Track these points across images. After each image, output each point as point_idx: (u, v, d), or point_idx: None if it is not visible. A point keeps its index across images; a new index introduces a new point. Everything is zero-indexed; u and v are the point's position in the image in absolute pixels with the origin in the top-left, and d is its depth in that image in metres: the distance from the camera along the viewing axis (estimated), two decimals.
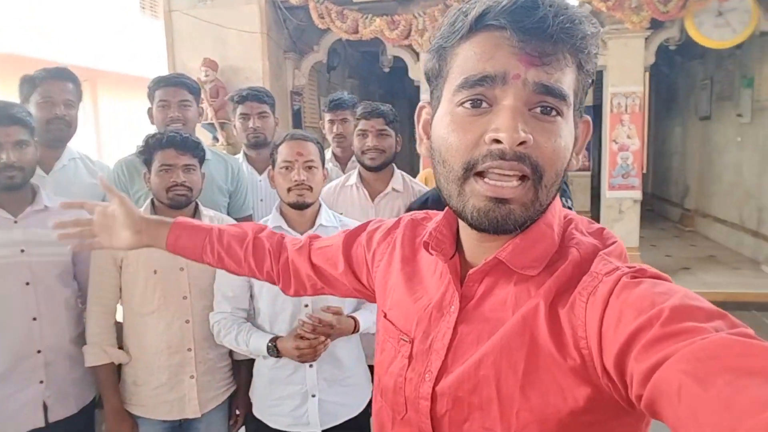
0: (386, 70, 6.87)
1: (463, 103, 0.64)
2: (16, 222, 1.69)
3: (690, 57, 6.78)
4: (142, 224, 1.11)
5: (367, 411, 1.79)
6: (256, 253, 1.09)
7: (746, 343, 0.46)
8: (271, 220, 1.77)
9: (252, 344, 1.67)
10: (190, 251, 1.12)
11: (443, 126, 0.66)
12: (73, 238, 1.15)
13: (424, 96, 5.67)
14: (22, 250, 1.68)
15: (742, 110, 5.87)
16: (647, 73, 4.97)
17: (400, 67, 6.28)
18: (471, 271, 0.73)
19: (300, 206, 1.71)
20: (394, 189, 2.19)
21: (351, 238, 1.01)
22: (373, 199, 2.20)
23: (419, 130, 0.77)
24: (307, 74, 6.08)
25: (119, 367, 1.80)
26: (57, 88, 2.02)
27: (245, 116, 2.41)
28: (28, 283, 1.69)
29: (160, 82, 2.16)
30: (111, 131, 9.94)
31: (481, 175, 0.63)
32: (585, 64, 0.64)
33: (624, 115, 4.92)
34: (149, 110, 2.22)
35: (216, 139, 5.43)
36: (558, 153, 0.63)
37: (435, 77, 0.70)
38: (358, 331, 1.72)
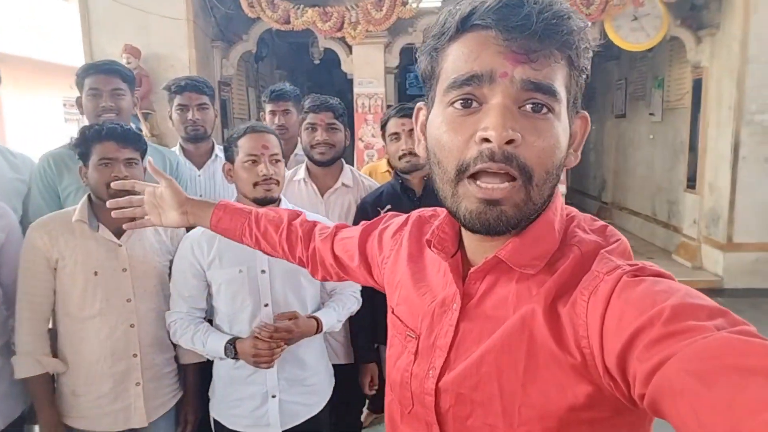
0: (316, 62, 6.77)
1: (454, 102, 0.65)
2: None
3: (606, 58, 7.16)
4: (188, 205, 1.20)
5: (325, 409, 1.77)
6: (289, 239, 1.14)
7: (748, 342, 0.47)
8: None
9: (209, 345, 1.60)
10: (231, 233, 1.19)
11: (436, 127, 0.67)
12: (126, 216, 1.25)
13: (357, 89, 5.66)
14: None
15: (654, 109, 6.28)
16: None
17: (330, 59, 6.20)
18: (472, 269, 0.73)
19: (266, 202, 1.65)
20: (344, 184, 2.16)
21: (366, 232, 1.03)
22: (322, 195, 2.16)
23: (417, 131, 0.78)
24: (236, 64, 5.89)
25: (53, 376, 1.67)
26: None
27: (183, 107, 2.27)
28: None
29: (89, 69, 2.01)
30: (16, 122, 9.15)
31: (474, 177, 0.64)
32: (576, 59, 0.64)
33: None
34: (78, 99, 2.05)
35: (139, 129, 5.13)
36: (547, 151, 0.63)
37: (428, 78, 0.71)
38: (321, 331, 1.68)
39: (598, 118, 8.07)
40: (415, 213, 0.95)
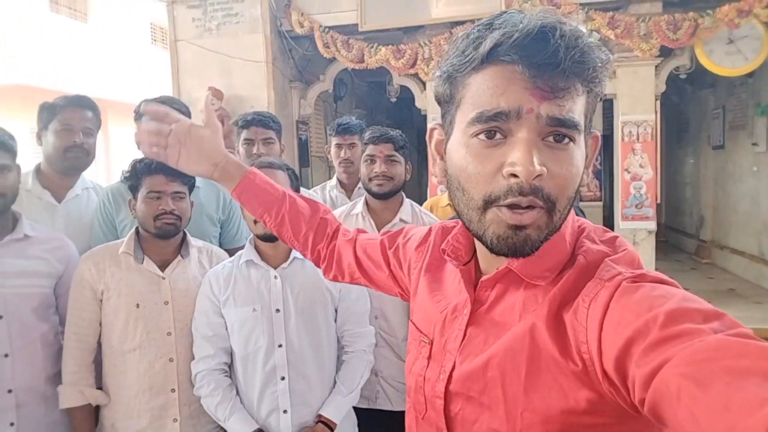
0: (393, 100, 6.82)
1: (478, 134, 0.66)
2: None
3: (700, 86, 6.70)
4: (223, 159, 1.10)
5: None
6: (321, 229, 1.13)
7: (743, 344, 0.47)
8: (244, 254, 1.67)
9: (231, 425, 1.56)
10: (255, 203, 1.13)
11: (460, 156, 0.69)
12: (145, 145, 1.12)
13: (431, 125, 5.58)
14: None
15: (757, 139, 5.73)
16: (658, 101, 4.87)
17: (407, 98, 6.22)
18: (483, 278, 0.77)
19: (271, 238, 1.62)
20: (402, 219, 2.06)
21: (390, 241, 1.05)
22: (379, 230, 2.07)
23: (432, 150, 0.80)
24: (313, 104, 6.04)
25: (97, 408, 1.67)
26: (77, 116, 1.99)
27: (249, 141, 2.30)
28: (0, 317, 1.57)
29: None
30: (121, 161, 9.95)
31: (500, 206, 0.65)
32: (595, 88, 0.66)
33: (636, 144, 4.80)
34: (136, 134, 2.12)
35: None
36: (570, 180, 0.66)
37: (446, 102, 0.73)
38: (335, 427, 1.62)
39: (693, 150, 7.52)
40: (437, 224, 0.98)
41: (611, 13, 4.56)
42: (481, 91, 0.65)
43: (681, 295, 0.56)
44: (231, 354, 1.66)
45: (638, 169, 4.78)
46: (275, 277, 1.65)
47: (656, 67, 4.82)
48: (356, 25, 5.26)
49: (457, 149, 0.69)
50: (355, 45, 5.28)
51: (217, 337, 1.63)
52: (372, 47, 5.26)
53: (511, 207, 0.64)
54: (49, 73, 9.08)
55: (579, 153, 0.66)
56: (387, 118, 9.22)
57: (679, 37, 4.52)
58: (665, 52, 4.81)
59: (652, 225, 4.80)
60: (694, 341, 0.49)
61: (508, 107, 0.63)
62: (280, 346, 1.60)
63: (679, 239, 8.03)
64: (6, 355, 1.57)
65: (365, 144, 2.09)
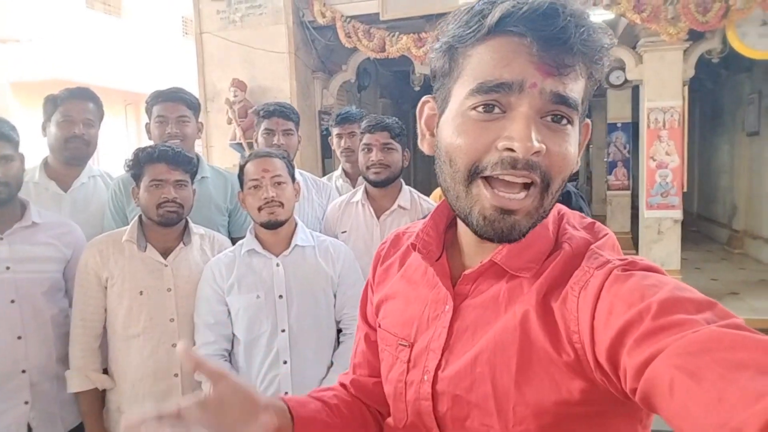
0: (417, 89, 6.79)
1: (476, 107, 0.63)
2: (1, 239, 1.65)
3: (736, 70, 6.46)
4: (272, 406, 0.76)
5: None
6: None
7: (736, 336, 0.47)
8: (245, 244, 1.71)
9: None
10: None
11: (453, 127, 0.66)
12: None
13: None
14: (8, 267, 1.64)
15: None
16: (686, 87, 4.72)
17: (431, 86, 6.18)
18: (467, 272, 0.74)
19: (273, 225, 1.64)
20: (400, 206, 2.08)
21: (363, 301, 0.96)
22: (378, 217, 2.09)
23: (421, 125, 0.76)
24: (336, 94, 6.06)
25: (104, 392, 1.73)
26: (78, 108, 2.04)
27: (269, 132, 2.33)
28: (13, 301, 1.64)
29: (158, 97, 2.12)
30: None
31: (488, 180, 0.63)
32: (595, 73, 0.65)
33: (662, 131, 4.66)
34: (146, 125, 2.18)
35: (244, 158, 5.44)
36: (567, 160, 0.64)
37: (443, 76, 0.69)
38: None
39: (728, 137, 7.27)
40: (390, 235, 0.94)
41: None
42: (485, 62, 0.62)
43: (673, 284, 0.56)
44: (232, 341, 1.70)
45: (664, 157, 4.65)
46: (277, 264, 1.69)
47: (684, 51, 4.66)
48: (378, 14, 5.25)
49: (451, 122, 0.66)
50: (377, 34, 5.27)
51: (219, 324, 1.67)
52: (393, 36, 5.24)
53: (498, 185, 0.62)
54: (85, 68, 9.34)
55: (575, 136, 0.65)
56: (412, 107, 9.17)
57: (708, 20, 4.36)
58: (694, 36, 4.65)
59: (678, 214, 4.67)
60: (687, 333, 0.49)
61: (512, 79, 0.61)
62: (282, 331, 1.64)
63: (711, 229, 7.80)
64: (19, 338, 1.64)
65: (362, 133, 2.11)
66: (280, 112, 2.33)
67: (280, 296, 1.65)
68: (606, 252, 0.65)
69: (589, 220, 0.74)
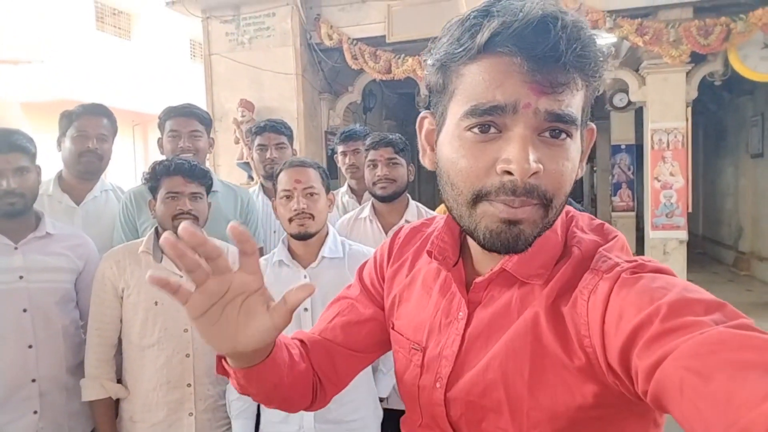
0: (421, 111, 6.87)
1: (471, 128, 0.63)
2: (16, 248, 1.68)
3: (738, 92, 6.52)
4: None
5: None
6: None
7: (745, 336, 0.47)
8: (277, 253, 1.72)
9: (235, 426, 1.65)
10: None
11: (452, 149, 0.66)
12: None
13: None
14: (21, 277, 1.67)
15: None
16: (689, 108, 4.77)
17: None
18: (477, 279, 0.74)
19: (302, 236, 1.64)
20: (407, 221, 2.10)
21: (361, 272, 0.96)
22: (386, 232, 2.11)
23: (422, 140, 0.76)
24: (342, 115, 6.13)
25: (117, 401, 1.74)
26: (92, 123, 2.09)
27: (263, 147, 2.40)
28: (25, 310, 1.66)
29: (170, 113, 2.17)
30: None
31: (490, 201, 0.63)
32: (594, 82, 0.64)
33: (666, 152, 4.70)
34: (159, 140, 2.22)
35: (251, 177, 5.49)
36: (566, 176, 0.64)
37: (438, 92, 0.69)
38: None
39: (732, 159, 7.31)
40: (407, 226, 0.93)
41: (639, 19, 4.50)
42: (476, 83, 0.61)
43: (682, 285, 0.56)
44: None
45: (669, 178, 4.68)
46: (305, 276, 1.68)
47: (687, 73, 4.72)
48: (384, 36, 5.34)
49: (448, 142, 0.66)
50: (383, 56, 5.36)
51: None
52: (399, 58, 5.33)
53: (504, 202, 0.62)
54: (94, 89, 9.47)
55: (575, 148, 0.64)
56: None
57: (710, 43, 4.43)
58: (697, 59, 4.72)
59: (683, 234, 4.68)
60: (695, 334, 0.49)
61: (505, 101, 0.60)
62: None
63: (717, 250, 7.79)
64: (30, 347, 1.66)
65: (366, 150, 2.16)
66: (271, 127, 2.41)
67: (306, 309, 1.63)
68: (615, 254, 0.65)
69: (598, 221, 0.74)
